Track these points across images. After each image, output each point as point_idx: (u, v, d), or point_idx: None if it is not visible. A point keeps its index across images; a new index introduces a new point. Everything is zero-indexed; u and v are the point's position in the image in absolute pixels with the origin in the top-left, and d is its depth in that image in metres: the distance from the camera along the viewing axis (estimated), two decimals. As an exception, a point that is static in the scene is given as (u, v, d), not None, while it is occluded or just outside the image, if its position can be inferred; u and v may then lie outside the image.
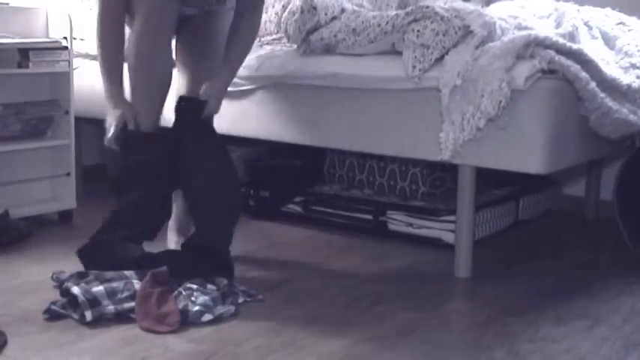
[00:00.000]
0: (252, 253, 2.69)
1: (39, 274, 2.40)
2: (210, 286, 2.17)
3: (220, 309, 2.09)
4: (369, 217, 2.94)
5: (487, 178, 2.94)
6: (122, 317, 2.03)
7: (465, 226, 2.47)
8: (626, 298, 2.33)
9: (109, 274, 2.15)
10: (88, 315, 1.99)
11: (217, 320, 2.05)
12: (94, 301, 2.01)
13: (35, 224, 2.86)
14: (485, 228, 2.86)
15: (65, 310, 2.04)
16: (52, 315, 2.03)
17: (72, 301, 2.04)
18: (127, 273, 2.17)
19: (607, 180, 3.20)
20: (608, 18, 2.91)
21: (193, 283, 2.16)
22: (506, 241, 2.92)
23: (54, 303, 2.06)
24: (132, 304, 2.05)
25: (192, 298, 2.09)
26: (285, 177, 3.22)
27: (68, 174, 3.01)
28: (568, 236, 3.06)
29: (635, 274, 2.56)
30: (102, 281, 2.11)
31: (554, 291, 2.39)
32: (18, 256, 2.58)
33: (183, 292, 2.11)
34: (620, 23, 2.89)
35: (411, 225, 2.85)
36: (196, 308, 2.05)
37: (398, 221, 2.88)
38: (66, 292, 2.08)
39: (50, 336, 1.94)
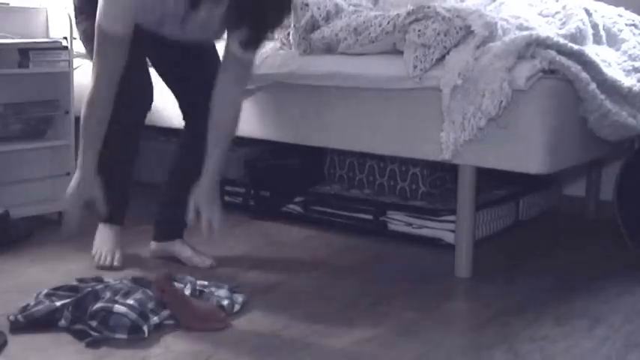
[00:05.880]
0: (252, 253, 2.69)
1: (39, 274, 2.40)
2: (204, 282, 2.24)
3: (238, 298, 2.16)
4: (369, 217, 2.94)
5: (487, 178, 2.94)
6: (162, 326, 2.00)
7: (465, 226, 2.47)
8: (626, 298, 2.33)
9: (117, 286, 2.11)
10: (146, 330, 1.93)
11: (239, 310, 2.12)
12: (145, 316, 1.96)
13: (35, 224, 2.86)
14: (485, 228, 2.86)
15: (100, 332, 1.92)
16: (89, 344, 1.89)
17: (115, 319, 1.93)
18: (126, 282, 2.16)
19: (607, 180, 3.20)
20: (620, 18, 2.89)
21: (197, 282, 2.22)
22: (506, 241, 2.92)
23: (80, 332, 1.94)
24: (166, 311, 2.03)
25: (217, 294, 2.15)
26: (285, 177, 3.22)
27: (68, 174, 3.01)
28: (568, 236, 3.06)
29: (635, 274, 2.56)
30: (124, 295, 2.04)
31: (554, 291, 2.39)
32: (18, 256, 2.58)
33: (206, 291, 2.18)
34: (632, 25, 2.88)
35: (411, 225, 2.85)
36: (226, 302, 2.11)
37: (398, 221, 2.88)
38: (103, 313, 1.95)
39: (50, 336, 1.93)
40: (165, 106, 2.71)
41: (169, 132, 3.11)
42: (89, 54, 2.40)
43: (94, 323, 1.93)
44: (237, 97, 2.34)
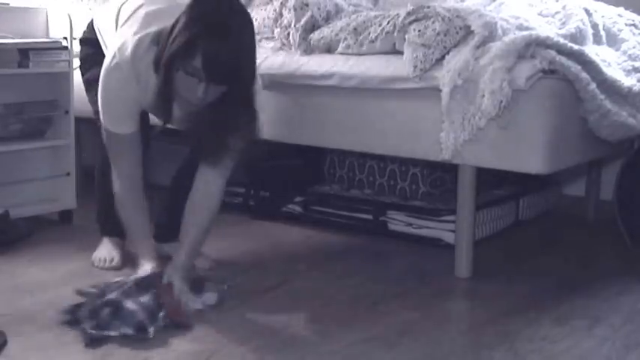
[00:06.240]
0: (252, 253, 2.69)
1: (39, 274, 2.40)
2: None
3: (211, 297, 2.18)
4: (369, 217, 2.94)
5: (487, 178, 2.94)
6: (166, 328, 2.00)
7: (465, 226, 2.47)
8: (626, 298, 2.33)
9: (126, 288, 2.08)
10: (152, 331, 1.94)
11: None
12: (153, 317, 1.97)
13: (35, 224, 2.86)
14: (485, 228, 2.86)
15: (106, 324, 1.93)
16: (92, 340, 1.90)
17: (124, 314, 1.95)
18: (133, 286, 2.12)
19: (607, 180, 3.20)
20: (620, 18, 2.89)
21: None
22: (506, 241, 2.92)
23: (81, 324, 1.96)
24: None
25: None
26: (285, 177, 3.22)
27: (68, 174, 3.01)
28: (568, 236, 3.06)
29: (635, 274, 2.56)
30: (135, 294, 2.04)
31: (554, 291, 2.39)
32: (18, 256, 2.58)
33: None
34: (632, 25, 2.88)
35: (411, 225, 2.85)
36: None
37: (398, 221, 2.88)
38: (112, 306, 1.98)
39: (50, 336, 1.94)
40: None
41: (168, 132, 3.10)
42: (91, 100, 2.43)
43: (104, 312, 1.94)
44: (219, 187, 2.27)
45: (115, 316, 1.94)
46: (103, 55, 2.26)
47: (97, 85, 2.24)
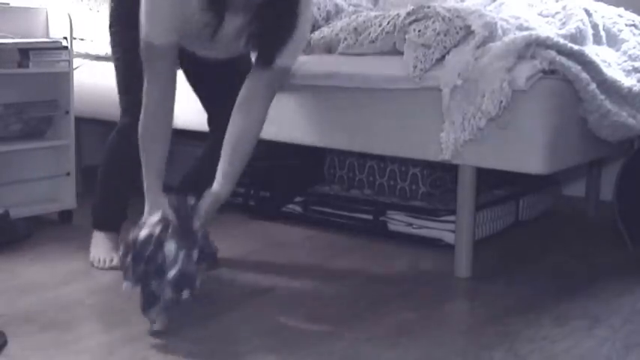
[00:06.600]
0: (252, 253, 2.69)
1: (39, 274, 2.40)
2: None
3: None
4: (369, 217, 2.94)
5: (487, 178, 2.94)
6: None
7: (465, 226, 2.47)
8: (626, 298, 2.33)
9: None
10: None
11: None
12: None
13: (35, 224, 2.86)
14: (485, 228, 2.86)
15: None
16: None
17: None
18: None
19: (607, 180, 3.20)
20: (620, 18, 2.89)
21: None
22: (506, 241, 2.92)
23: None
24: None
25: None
26: (285, 177, 3.22)
27: (68, 174, 3.01)
28: (568, 236, 3.06)
29: (635, 274, 2.56)
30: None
31: (554, 291, 2.39)
32: (18, 256, 2.58)
33: None
34: (632, 25, 2.88)
35: (411, 225, 2.85)
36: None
37: (398, 221, 2.88)
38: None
39: (50, 336, 1.94)
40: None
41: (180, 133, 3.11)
42: (118, 79, 2.42)
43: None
44: (261, 113, 2.24)
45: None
46: (130, 14, 2.18)
47: (125, 70, 2.26)
